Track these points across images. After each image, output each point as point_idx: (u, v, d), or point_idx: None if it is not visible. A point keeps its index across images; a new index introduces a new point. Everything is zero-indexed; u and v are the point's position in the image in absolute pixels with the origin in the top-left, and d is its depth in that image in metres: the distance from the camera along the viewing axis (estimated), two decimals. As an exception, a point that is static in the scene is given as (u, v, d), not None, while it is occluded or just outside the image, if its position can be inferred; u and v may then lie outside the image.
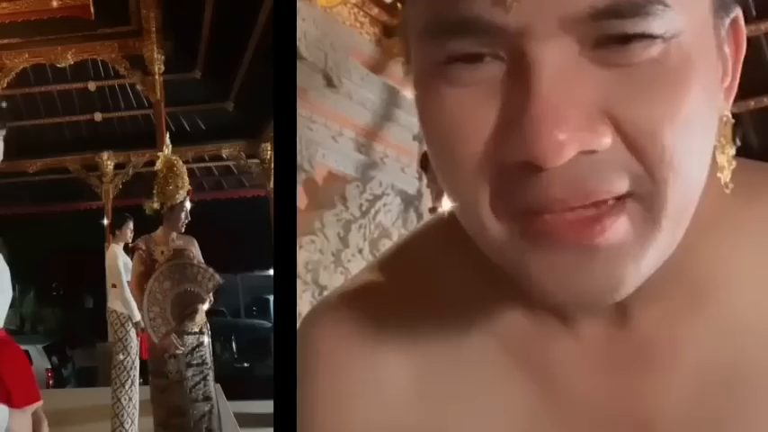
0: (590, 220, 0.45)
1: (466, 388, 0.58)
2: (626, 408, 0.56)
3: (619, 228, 0.45)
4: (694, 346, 0.56)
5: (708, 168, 0.49)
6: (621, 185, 0.45)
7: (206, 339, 3.91)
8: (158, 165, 4.03)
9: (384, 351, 0.60)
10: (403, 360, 0.60)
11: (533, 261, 0.47)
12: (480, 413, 0.57)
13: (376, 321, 0.61)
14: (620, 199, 0.45)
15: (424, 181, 5.12)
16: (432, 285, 0.61)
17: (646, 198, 0.45)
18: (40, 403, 1.70)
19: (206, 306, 3.88)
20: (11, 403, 1.57)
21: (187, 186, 3.98)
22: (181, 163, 4.06)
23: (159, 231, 3.96)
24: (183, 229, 3.96)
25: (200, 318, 3.89)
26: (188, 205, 3.95)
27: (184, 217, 3.92)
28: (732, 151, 0.52)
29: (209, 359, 3.91)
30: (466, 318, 0.59)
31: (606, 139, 0.44)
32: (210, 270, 3.87)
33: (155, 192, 3.94)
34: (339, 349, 0.61)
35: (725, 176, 0.51)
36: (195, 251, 3.97)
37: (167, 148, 4.10)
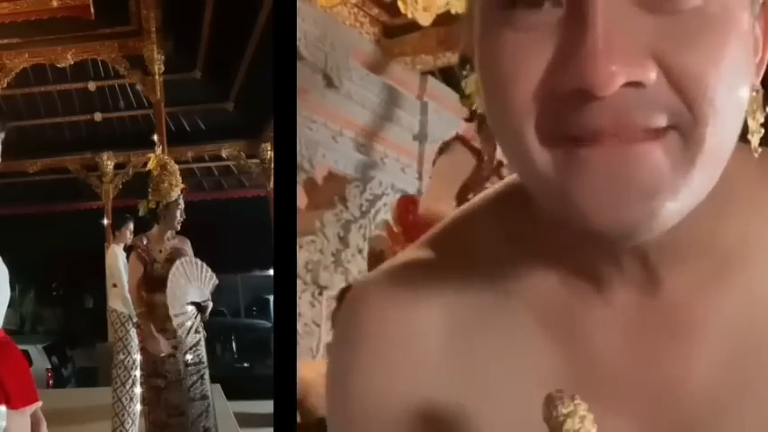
0: (631, 149, 0.49)
1: (499, 352, 0.61)
2: (654, 373, 0.59)
3: (657, 158, 0.49)
4: (722, 314, 0.58)
5: (741, 124, 0.53)
6: (662, 119, 0.49)
7: (202, 338, 3.93)
8: (151, 164, 4.08)
9: (424, 318, 0.64)
10: (442, 327, 0.63)
11: (575, 187, 0.50)
12: (511, 374, 0.61)
13: (417, 291, 0.65)
14: (661, 132, 0.49)
15: (424, 181, 5.11)
16: (472, 257, 0.65)
17: (684, 134, 0.49)
18: (38, 404, 1.70)
19: (211, 304, 3.92)
20: (9, 404, 1.57)
21: (181, 185, 4.03)
22: (173, 162, 4.12)
23: (155, 230, 3.98)
24: (179, 227, 3.99)
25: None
26: (182, 203, 3.99)
27: (180, 215, 3.96)
28: (762, 118, 0.56)
29: (205, 358, 3.93)
30: (502, 287, 0.63)
31: (652, 74, 0.48)
32: (210, 270, 3.91)
33: (149, 191, 3.98)
34: (382, 319, 0.65)
35: (755, 141, 0.56)
36: (189, 251, 4.00)
37: (159, 148, 4.16)
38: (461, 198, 2.74)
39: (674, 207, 0.50)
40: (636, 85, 0.48)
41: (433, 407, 0.62)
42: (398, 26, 5.29)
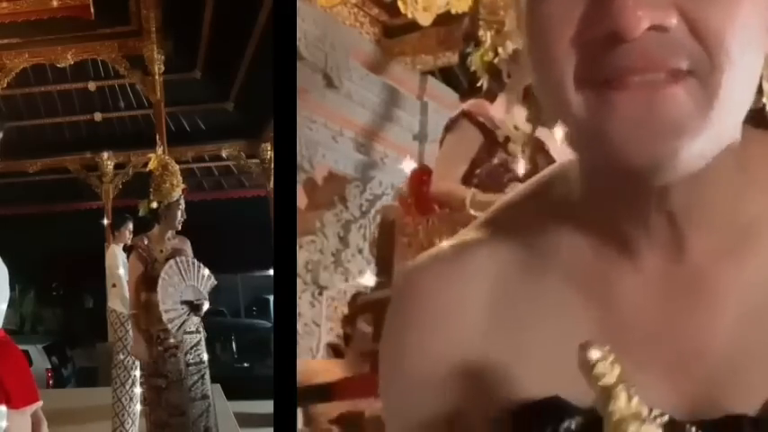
0: (656, 91, 0.55)
1: (539, 317, 0.67)
2: (680, 335, 0.64)
3: (679, 100, 0.55)
4: (742, 282, 0.64)
5: (756, 83, 0.59)
6: (684, 62, 0.55)
7: (202, 338, 3.94)
8: (152, 164, 4.09)
9: (473, 290, 0.71)
10: (489, 297, 0.70)
11: (608, 126, 0.57)
12: (550, 337, 0.66)
13: (465, 267, 0.72)
14: (682, 76, 0.55)
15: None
16: (516, 234, 0.72)
17: (703, 79, 0.55)
18: (39, 404, 1.70)
19: (207, 305, 3.92)
20: (10, 404, 1.57)
21: (182, 185, 4.04)
22: (174, 162, 4.13)
23: (155, 230, 3.99)
24: (180, 227, 4.00)
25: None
26: (183, 203, 4.00)
27: (181, 215, 3.97)
28: None
29: (206, 358, 3.94)
30: (542, 259, 0.69)
31: (673, 19, 0.55)
32: (208, 271, 3.92)
33: (151, 190, 3.98)
34: (434, 292, 0.72)
35: None
36: (189, 251, 4.01)
37: (160, 148, 4.17)
38: (469, 175, 2.71)
39: (696, 148, 0.56)
40: (659, 29, 0.55)
41: (480, 367, 0.68)
42: (398, 26, 5.29)
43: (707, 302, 0.64)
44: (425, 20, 4.60)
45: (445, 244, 0.76)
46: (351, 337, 3.27)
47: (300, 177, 4.60)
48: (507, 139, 2.67)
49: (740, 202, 0.64)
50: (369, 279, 3.56)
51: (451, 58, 5.64)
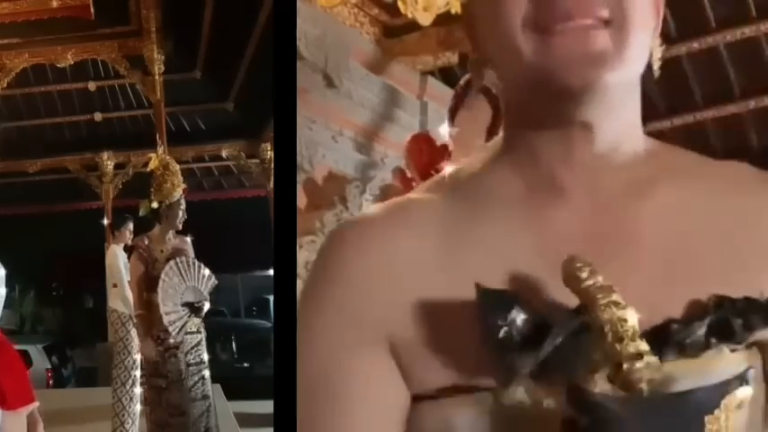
0: (587, 33, 0.73)
1: (480, 239, 0.77)
2: (608, 233, 0.77)
3: (602, 37, 0.73)
4: (653, 211, 0.79)
5: (648, 45, 0.79)
6: (605, 11, 0.73)
7: (203, 338, 3.93)
8: (153, 164, 4.08)
9: (418, 235, 0.78)
10: (433, 239, 0.78)
11: (551, 58, 0.73)
12: (489, 254, 0.76)
13: (411, 216, 0.80)
14: (604, 24, 0.73)
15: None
16: (459, 187, 0.82)
17: (618, 27, 0.73)
18: (34, 405, 1.69)
19: (208, 305, 3.91)
20: (4, 405, 1.56)
21: (182, 184, 4.04)
22: (174, 162, 4.13)
23: (156, 230, 3.99)
24: (181, 227, 4.00)
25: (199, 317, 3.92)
26: (184, 203, 4.00)
27: (182, 215, 3.96)
28: (659, 53, 0.82)
29: (206, 358, 3.93)
30: (483, 201, 0.80)
31: None
32: (209, 271, 3.91)
33: (152, 190, 3.98)
34: (374, 240, 0.79)
35: (656, 66, 0.81)
36: (190, 251, 4.00)
37: (161, 148, 4.16)
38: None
39: (612, 79, 0.73)
40: None
41: (423, 304, 0.75)
42: (398, 26, 5.29)
43: (627, 232, 0.77)
44: (425, 20, 4.60)
45: (374, 206, 0.85)
46: None
47: (300, 177, 4.60)
48: None
49: (652, 161, 0.82)
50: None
51: (451, 58, 5.64)
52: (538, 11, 0.74)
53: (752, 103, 5.57)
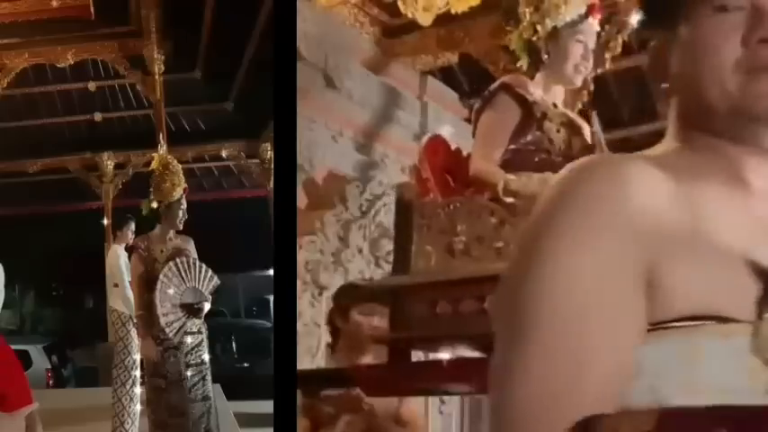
0: None
1: (702, 191, 0.86)
2: None
3: None
4: None
5: None
6: None
7: (204, 339, 3.92)
8: (154, 164, 4.06)
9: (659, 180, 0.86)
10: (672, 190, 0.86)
11: (755, 98, 0.85)
12: (712, 201, 0.85)
13: (655, 161, 0.88)
14: None
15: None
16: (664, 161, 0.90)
17: None
18: (33, 407, 1.68)
19: (208, 306, 3.89)
20: (2, 407, 1.55)
21: (183, 184, 4.01)
22: (176, 161, 4.10)
23: (157, 230, 3.97)
24: (182, 227, 3.98)
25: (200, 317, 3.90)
26: (185, 203, 3.97)
27: (182, 214, 3.94)
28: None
29: (207, 359, 3.92)
30: (697, 168, 0.89)
31: None
32: (210, 271, 3.89)
33: (151, 190, 3.96)
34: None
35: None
36: (192, 250, 3.99)
37: (162, 148, 4.14)
38: (505, 151, 2.59)
39: None
40: None
41: (685, 238, 0.82)
42: (398, 26, 5.29)
43: None
44: (425, 20, 4.60)
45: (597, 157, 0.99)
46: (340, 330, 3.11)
47: (300, 177, 4.59)
48: (544, 115, 2.59)
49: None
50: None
51: (451, 58, 5.65)
52: (747, 57, 0.85)
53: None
